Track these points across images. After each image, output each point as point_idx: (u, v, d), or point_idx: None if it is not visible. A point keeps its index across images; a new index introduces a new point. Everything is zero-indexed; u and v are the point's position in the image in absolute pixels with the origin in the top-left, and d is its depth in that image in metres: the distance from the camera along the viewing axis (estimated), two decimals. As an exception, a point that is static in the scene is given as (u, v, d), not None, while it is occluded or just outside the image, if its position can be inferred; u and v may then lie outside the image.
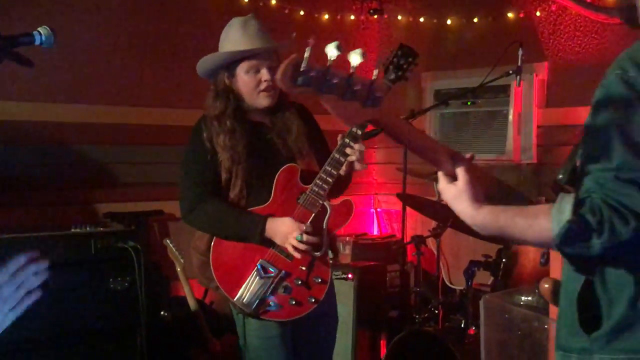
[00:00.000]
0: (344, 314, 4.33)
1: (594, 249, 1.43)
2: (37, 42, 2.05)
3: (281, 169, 3.02)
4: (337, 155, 2.88)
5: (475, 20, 5.20)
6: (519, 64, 4.20)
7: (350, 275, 4.41)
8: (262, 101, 3.06)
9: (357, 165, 2.90)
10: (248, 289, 2.95)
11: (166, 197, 4.64)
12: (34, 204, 4.31)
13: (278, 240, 2.94)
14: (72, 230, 3.87)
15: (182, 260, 4.34)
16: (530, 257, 3.90)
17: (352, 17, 5.69)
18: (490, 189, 1.69)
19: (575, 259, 1.51)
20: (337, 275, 4.38)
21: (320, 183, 2.91)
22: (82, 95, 4.53)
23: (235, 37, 3.04)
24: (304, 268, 2.97)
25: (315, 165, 3.07)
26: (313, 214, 2.95)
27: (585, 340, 1.56)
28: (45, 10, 4.29)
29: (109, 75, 4.63)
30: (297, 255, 2.92)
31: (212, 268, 2.99)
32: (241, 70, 3.04)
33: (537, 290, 3.45)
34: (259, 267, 2.96)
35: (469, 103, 5.24)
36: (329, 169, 2.89)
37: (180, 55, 4.82)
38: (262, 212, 2.99)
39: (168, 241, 4.41)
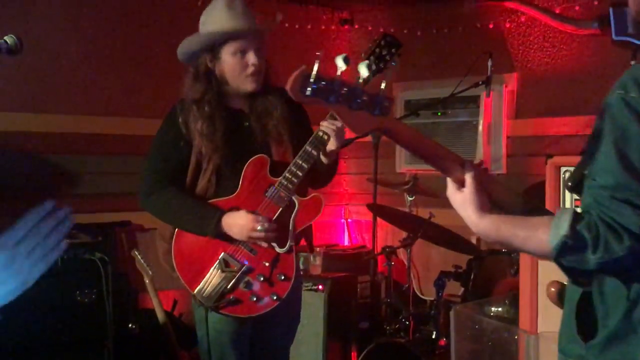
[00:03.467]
0: (314, 325, 4.32)
1: (589, 264, 1.47)
2: (4, 50, 2.02)
3: (250, 161, 2.88)
4: (309, 149, 2.77)
5: (445, 31, 5.22)
6: (489, 74, 4.23)
7: (320, 287, 4.38)
8: (248, 86, 2.91)
9: (332, 144, 2.77)
10: (209, 282, 2.84)
11: (134, 207, 4.53)
12: (-1, 214, 4.24)
13: (235, 234, 2.82)
14: (38, 241, 3.80)
15: (150, 272, 4.29)
16: (500, 267, 3.91)
17: (323, 27, 5.69)
18: (503, 196, 1.72)
19: (571, 272, 1.55)
20: (307, 287, 4.35)
21: (290, 177, 2.80)
22: (48, 105, 4.47)
23: (219, 16, 2.87)
24: (267, 264, 2.85)
25: (290, 156, 2.92)
26: (280, 209, 2.84)
27: (582, 348, 1.60)
28: (12, 18, 4.23)
29: (74, 84, 4.57)
30: (263, 245, 2.82)
31: (173, 257, 2.89)
32: (226, 52, 2.87)
33: (507, 301, 3.46)
34: (220, 260, 2.85)
35: (439, 114, 5.25)
36: (300, 162, 2.78)
37: (147, 65, 4.78)
38: (226, 204, 2.87)
39: (136, 252, 4.36)
